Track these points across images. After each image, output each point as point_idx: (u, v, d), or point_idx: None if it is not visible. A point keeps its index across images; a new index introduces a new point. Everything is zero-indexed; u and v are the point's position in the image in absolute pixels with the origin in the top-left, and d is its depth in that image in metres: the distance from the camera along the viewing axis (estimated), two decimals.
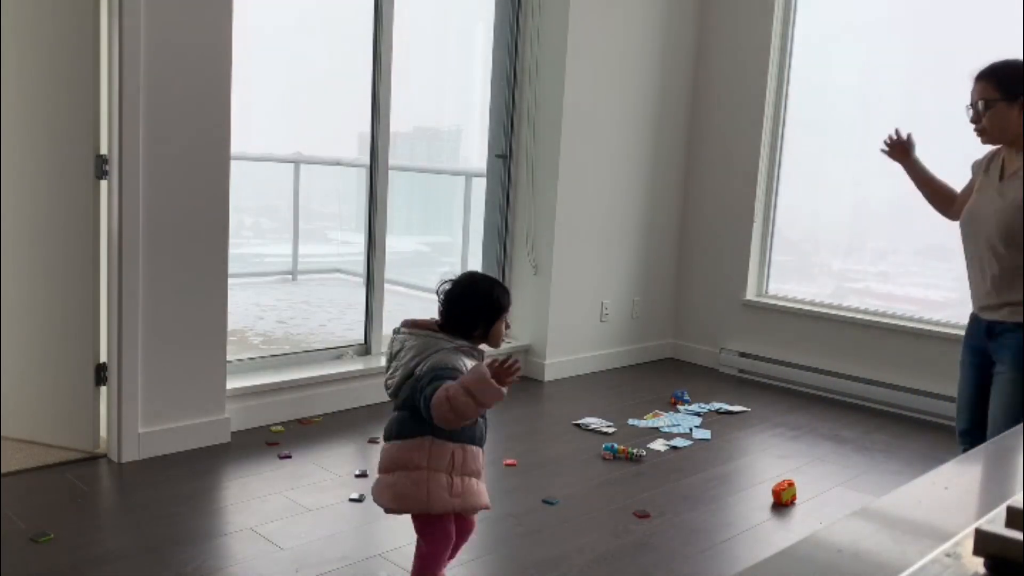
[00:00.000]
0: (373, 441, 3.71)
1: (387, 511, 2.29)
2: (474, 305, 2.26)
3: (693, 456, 3.76)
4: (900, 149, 2.89)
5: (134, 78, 3.18)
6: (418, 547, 2.33)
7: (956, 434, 2.83)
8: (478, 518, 3.03)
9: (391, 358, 2.28)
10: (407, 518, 2.97)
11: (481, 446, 2.31)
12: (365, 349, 4.41)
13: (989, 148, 2.72)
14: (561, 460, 3.63)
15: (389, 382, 2.26)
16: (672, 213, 5.39)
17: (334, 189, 7.61)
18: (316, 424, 3.89)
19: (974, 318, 2.75)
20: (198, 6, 3.31)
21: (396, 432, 2.24)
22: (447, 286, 2.30)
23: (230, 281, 3.59)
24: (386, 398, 4.35)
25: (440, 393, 2.07)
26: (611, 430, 4.01)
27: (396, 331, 2.31)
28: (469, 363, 2.18)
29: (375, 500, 2.29)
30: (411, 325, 2.28)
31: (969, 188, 2.78)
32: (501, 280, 4.94)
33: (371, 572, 2.61)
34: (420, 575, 2.32)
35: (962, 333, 4.37)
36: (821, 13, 5.01)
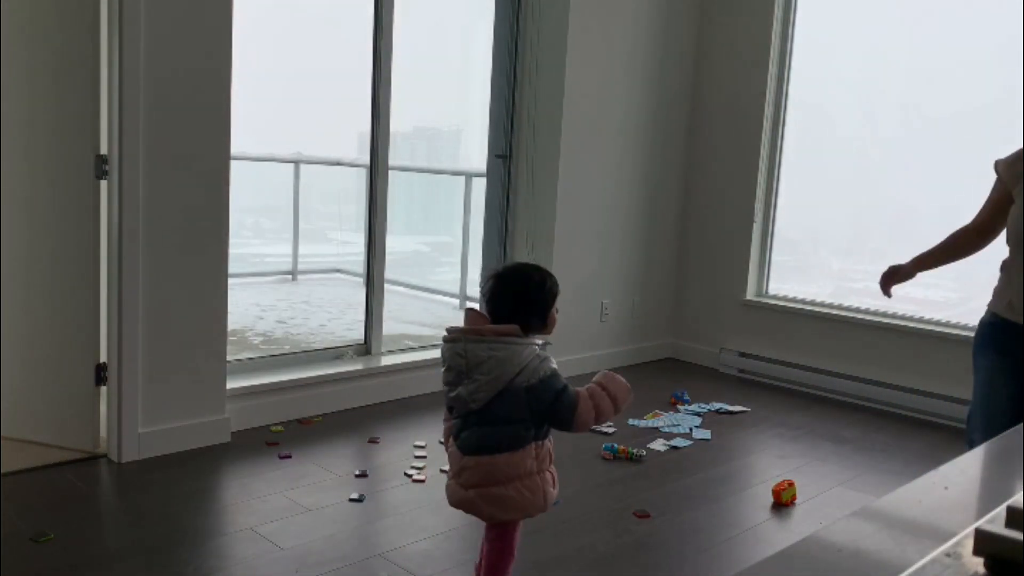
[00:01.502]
0: (373, 441, 3.71)
1: (492, 520, 2.28)
2: (532, 299, 2.24)
3: (693, 456, 3.76)
4: (896, 279, 2.82)
5: (134, 78, 3.17)
6: (494, 551, 2.29)
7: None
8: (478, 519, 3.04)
9: (467, 369, 2.16)
10: (407, 519, 2.98)
11: None
12: (365, 349, 4.41)
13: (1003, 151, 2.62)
14: (561, 460, 3.60)
15: (478, 395, 2.14)
16: (672, 213, 5.39)
17: (334, 189, 7.61)
18: (316, 424, 3.89)
19: (1012, 327, 2.50)
20: (198, 6, 3.31)
21: (503, 444, 2.17)
22: (493, 283, 2.26)
23: (230, 281, 3.59)
24: (386, 398, 4.39)
25: (585, 399, 2.16)
26: (611, 430, 4.01)
27: (456, 339, 2.20)
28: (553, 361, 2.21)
29: (473, 511, 2.25)
30: (477, 332, 2.19)
31: (998, 194, 2.61)
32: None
33: (371, 572, 2.61)
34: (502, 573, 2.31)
35: (962, 333, 4.35)
36: (821, 12, 5.01)
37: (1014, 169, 2.55)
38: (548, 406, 2.15)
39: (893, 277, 2.84)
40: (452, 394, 2.20)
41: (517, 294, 2.23)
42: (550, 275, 2.31)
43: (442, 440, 2.38)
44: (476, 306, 2.31)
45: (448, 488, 2.28)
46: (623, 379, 2.25)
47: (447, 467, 3.41)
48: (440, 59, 6.10)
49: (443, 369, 2.23)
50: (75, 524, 2.82)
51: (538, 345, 2.20)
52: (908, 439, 4.15)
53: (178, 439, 3.46)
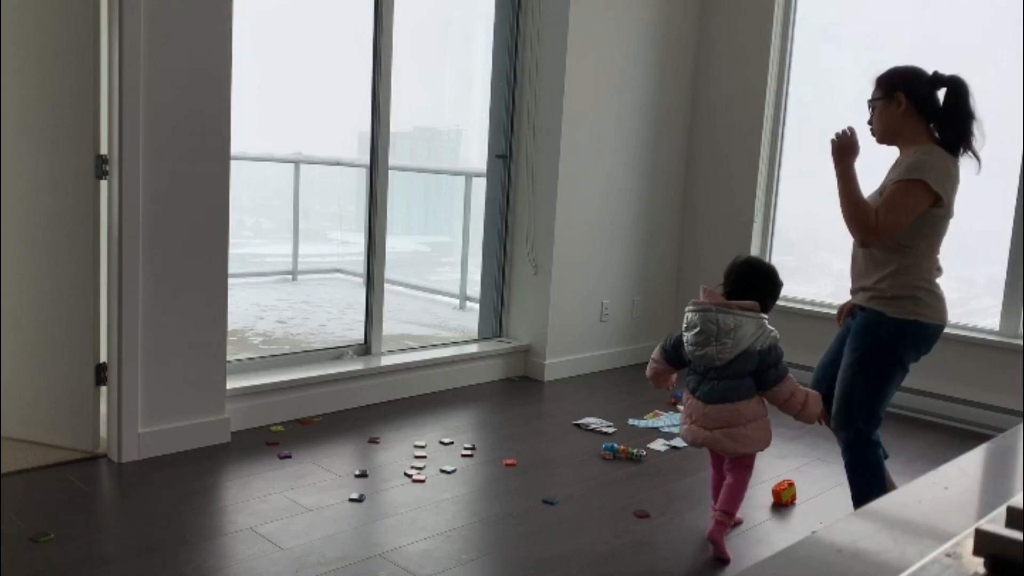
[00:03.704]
0: (373, 441, 3.71)
1: (733, 455, 2.85)
2: (774, 287, 2.90)
3: (693, 456, 3.75)
4: (847, 147, 2.77)
5: (134, 78, 3.18)
6: (735, 480, 2.88)
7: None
8: (479, 518, 3.04)
9: (717, 333, 2.74)
10: (407, 519, 2.99)
11: None
12: (365, 349, 4.41)
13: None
14: (561, 460, 3.63)
15: (723, 355, 2.74)
16: (672, 213, 5.40)
17: (334, 189, 7.61)
18: (316, 424, 3.89)
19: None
20: (198, 6, 3.31)
21: (740, 394, 2.78)
22: (747, 268, 2.88)
23: (230, 281, 3.59)
24: (386, 398, 4.40)
25: (792, 386, 2.80)
26: (611, 430, 4.01)
27: (707, 309, 2.76)
28: None
29: (716, 447, 2.84)
30: (726, 305, 2.77)
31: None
32: (503, 280, 4.96)
33: (371, 572, 2.61)
34: (738, 499, 2.89)
35: (963, 333, 4.40)
36: (821, 12, 5.01)
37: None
38: (769, 366, 2.76)
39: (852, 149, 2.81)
40: (699, 352, 2.78)
41: (766, 280, 2.89)
42: None
43: (647, 374, 3.06)
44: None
45: (688, 431, 2.88)
46: (817, 417, 2.88)
47: (448, 467, 3.44)
48: (440, 59, 6.10)
49: (691, 331, 2.80)
50: (75, 524, 2.82)
51: (766, 318, 2.80)
52: (908, 439, 4.15)
53: (178, 439, 3.47)
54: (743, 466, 2.90)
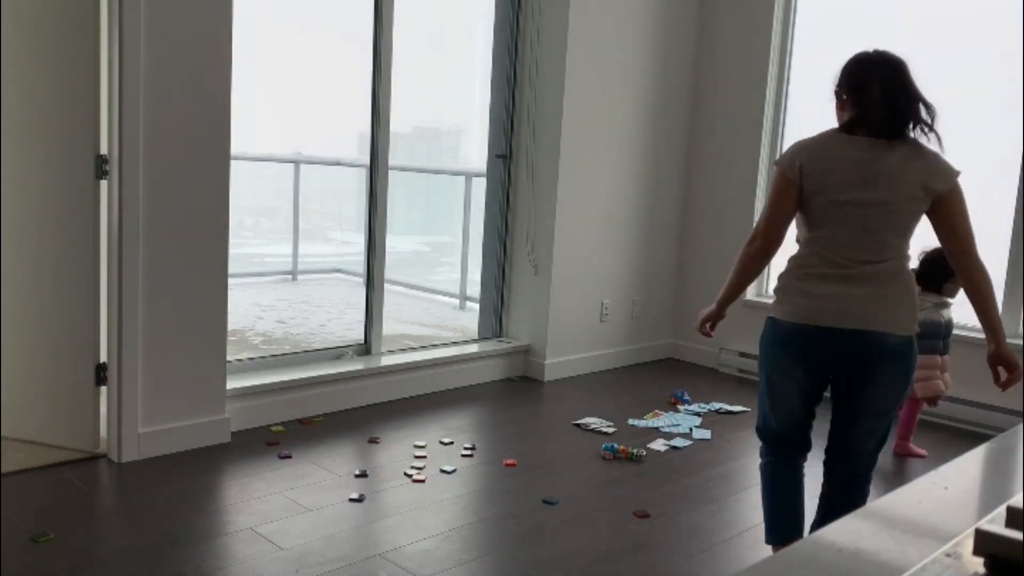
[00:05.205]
0: (373, 441, 3.71)
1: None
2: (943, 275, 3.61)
3: (693, 456, 3.76)
4: (711, 322, 2.79)
5: (134, 78, 3.17)
6: (908, 415, 3.86)
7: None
8: (479, 518, 3.04)
9: None
10: (407, 519, 2.99)
11: None
12: (365, 349, 4.41)
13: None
14: (561, 460, 3.63)
15: None
16: (672, 213, 5.39)
17: (334, 189, 7.61)
18: (316, 424, 3.89)
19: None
20: (198, 6, 3.31)
21: None
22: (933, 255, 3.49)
23: (230, 281, 3.59)
24: (386, 398, 4.41)
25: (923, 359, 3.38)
26: (611, 430, 4.01)
27: None
28: None
29: None
30: None
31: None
32: (503, 280, 4.95)
33: (371, 572, 2.61)
34: (908, 429, 3.85)
35: (962, 333, 4.38)
36: (821, 13, 5.01)
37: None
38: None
39: (707, 322, 2.80)
40: None
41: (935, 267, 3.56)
42: None
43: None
44: None
45: None
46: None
47: (448, 467, 3.45)
48: (440, 59, 6.10)
49: None
50: (75, 524, 2.82)
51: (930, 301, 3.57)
52: None
53: (178, 439, 3.47)
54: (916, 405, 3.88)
